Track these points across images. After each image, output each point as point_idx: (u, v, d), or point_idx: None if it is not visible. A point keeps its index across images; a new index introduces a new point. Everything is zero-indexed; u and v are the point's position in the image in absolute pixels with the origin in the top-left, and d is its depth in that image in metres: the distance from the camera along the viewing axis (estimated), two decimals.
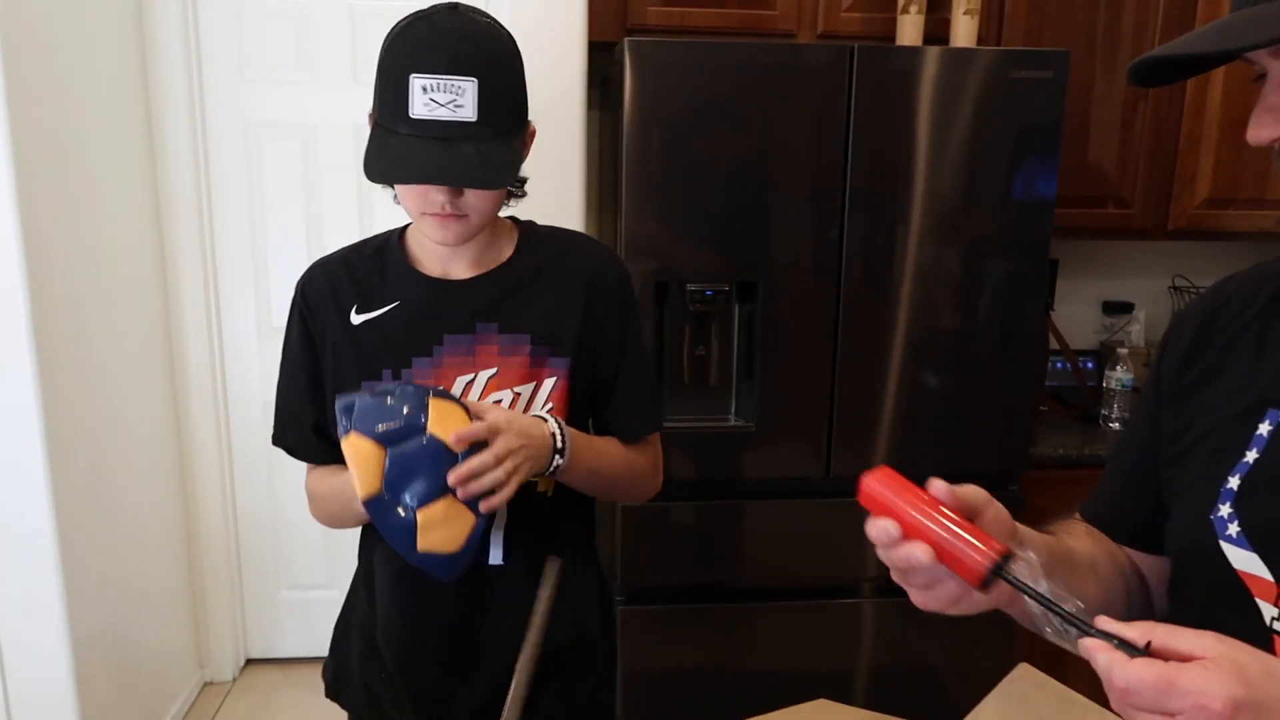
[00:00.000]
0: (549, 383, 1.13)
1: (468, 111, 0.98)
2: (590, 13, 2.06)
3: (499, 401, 1.11)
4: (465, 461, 0.97)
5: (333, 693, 1.31)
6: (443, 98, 0.98)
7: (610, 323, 1.16)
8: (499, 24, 1.06)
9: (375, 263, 1.16)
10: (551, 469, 1.06)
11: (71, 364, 1.97)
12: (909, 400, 2.04)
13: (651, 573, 2.07)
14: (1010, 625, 2.09)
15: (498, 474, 0.98)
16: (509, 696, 0.98)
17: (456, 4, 1.04)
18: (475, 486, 0.98)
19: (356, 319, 1.14)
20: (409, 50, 0.99)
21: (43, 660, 1.94)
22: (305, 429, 1.19)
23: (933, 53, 1.92)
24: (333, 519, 1.23)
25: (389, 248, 1.16)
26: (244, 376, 2.57)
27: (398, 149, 0.99)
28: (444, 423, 0.98)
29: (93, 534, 2.05)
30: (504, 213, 1.18)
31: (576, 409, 1.16)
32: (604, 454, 1.17)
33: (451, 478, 0.97)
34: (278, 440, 1.24)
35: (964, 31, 2.16)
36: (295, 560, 2.69)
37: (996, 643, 2.14)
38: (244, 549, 2.67)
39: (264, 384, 2.57)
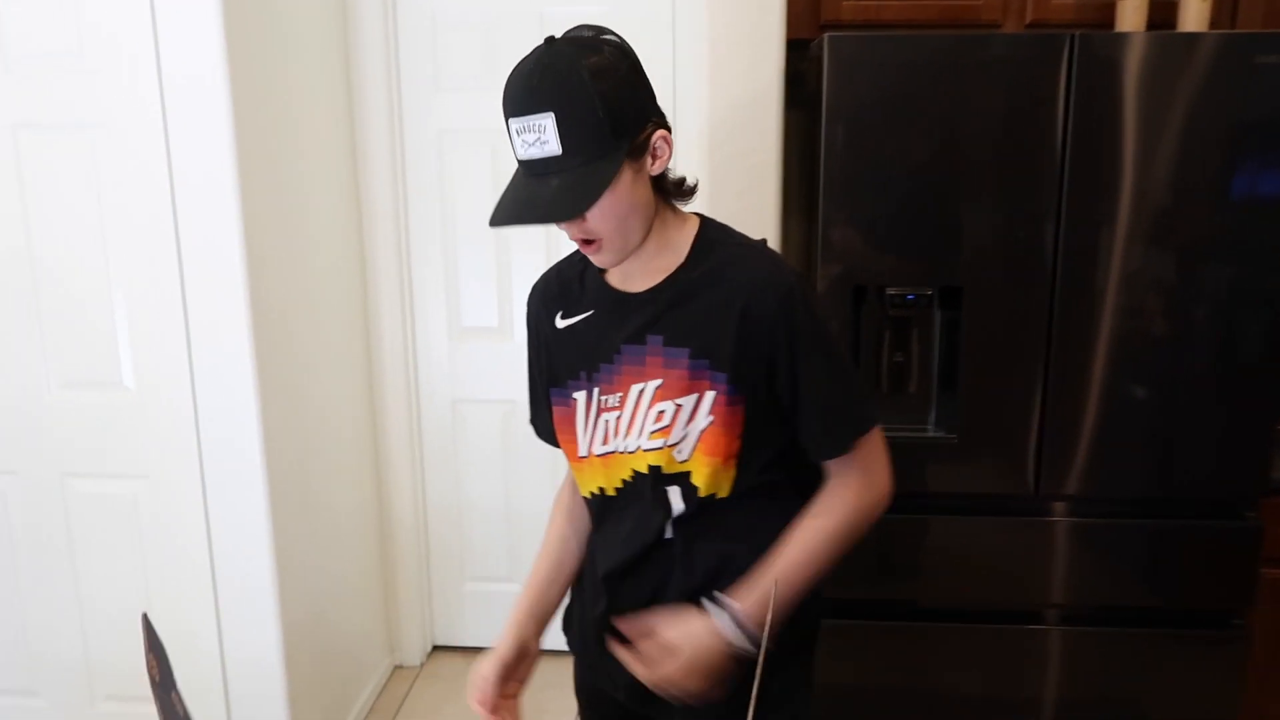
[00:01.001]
0: (709, 396, 1.12)
1: (552, 146, 1.01)
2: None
3: (662, 413, 1.13)
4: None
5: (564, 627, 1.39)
6: (530, 137, 1.02)
7: (773, 344, 1.11)
8: (592, 43, 1.06)
9: (577, 273, 1.23)
10: (742, 650, 1.09)
11: (283, 364, 2.08)
12: (1123, 415, 1.89)
13: (839, 586, 2.00)
14: (1242, 663, 1.91)
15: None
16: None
17: (554, 40, 1.06)
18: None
19: (561, 323, 1.22)
20: (504, 96, 1.05)
21: (257, 639, 2.07)
22: (545, 417, 1.28)
23: (1162, 39, 1.76)
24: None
25: (587, 258, 1.19)
26: (434, 376, 2.67)
27: (505, 192, 1.06)
28: None
29: (300, 525, 2.16)
30: (695, 206, 1.19)
31: (751, 423, 1.13)
32: (800, 568, 1.14)
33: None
34: (532, 423, 1.34)
35: (1194, 15, 1.97)
36: (479, 554, 2.77)
37: (1217, 677, 1.96)
38: (432, 542, 2.78)
39: (453, 383, 2.66)
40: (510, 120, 1.03)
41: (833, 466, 1.17)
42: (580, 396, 1.19)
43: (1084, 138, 1.78)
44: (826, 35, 1.78)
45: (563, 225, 1.07)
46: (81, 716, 2.21)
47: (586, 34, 1.08)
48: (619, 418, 1.16)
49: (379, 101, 2.48)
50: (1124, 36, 1.78)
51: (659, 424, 1.13)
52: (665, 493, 1.16)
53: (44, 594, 2.15)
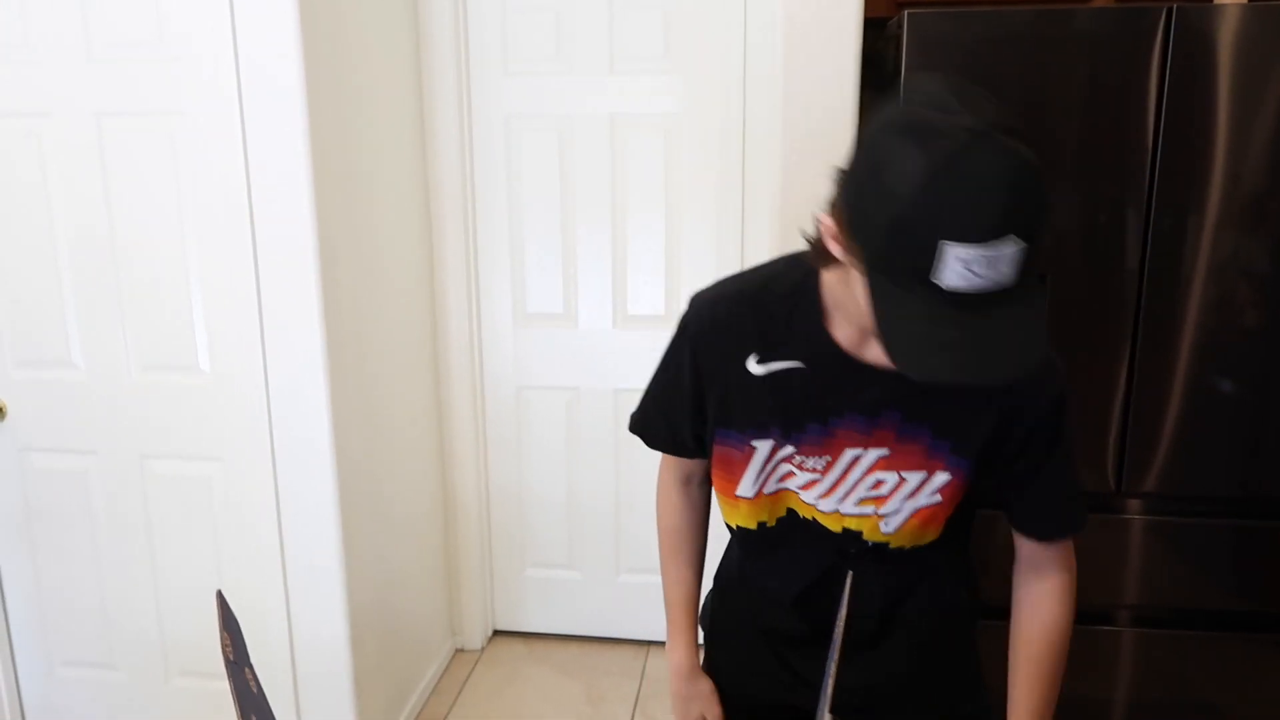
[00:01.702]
0: (941, 477, 1.04)
1: (1007, 277, 0.79)
2: None
3: (880, 482, 1.05)
4: None
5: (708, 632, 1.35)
6: (982, 269, 0.78)
7: (1029, 442, 1.04)
8: (1017, 129, 0.84)
9: (785, 309, 1.04)
10: None
11: (352, 351, 2.10)
12: (1209, 411, 1.80)
13: None
14: None
15: None
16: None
17: (991, 125, 0.80)
18: None
19: (756, 369, 1.06)
20: (946, 210, 0.78)
21: (324, 620, 2.10)
22: (679, 435, 1.18)
23: (1263, 11, 1.67)
24: (660, 549, 1.31)
25: (802, 297, 1.03)
26: (499, 362, 2.67)
27: (920, 327, 0.81)
28: None
29: (366, 509, 2.19)
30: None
31: (966, 499, 1.08)
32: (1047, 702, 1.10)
33: None
34: (637, 429, 1.24)
35: None
36: (540, 541, 2.78)
37: None
38: (494, 526, 2.79)
39: (517, 369, 2.67)
40: (955, 245, 0.77)
41: (1039, 560, 1.11)
42: (763, 446, 1.08)
43: (1176, 117, 1.70)
44: (906, 12, 1.72)
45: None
46: (156, 691, 2.27)
47: (1022, 138, 0.83)
48: (814, 480, 1.07)
49: (448, 86, 2.48)
50: (1222, 9, 1.69)
51: (874, 492, 1.06)
52: (848, 556, 1.10)
53: (122, 571, 2.21)
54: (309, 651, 2.13)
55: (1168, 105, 1.69)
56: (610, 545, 2.74)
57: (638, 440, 1.24)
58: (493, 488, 2.75)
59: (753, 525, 1.15)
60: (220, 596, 0.88)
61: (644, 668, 2.67)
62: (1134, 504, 1.88)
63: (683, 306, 1.14)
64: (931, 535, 1.09)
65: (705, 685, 1.26)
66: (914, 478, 1.04)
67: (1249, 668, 1.90)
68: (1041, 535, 1.09)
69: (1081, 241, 1.76)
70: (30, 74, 1.96)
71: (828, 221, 0.90)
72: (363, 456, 2.16)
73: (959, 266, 0.77)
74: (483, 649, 2.81)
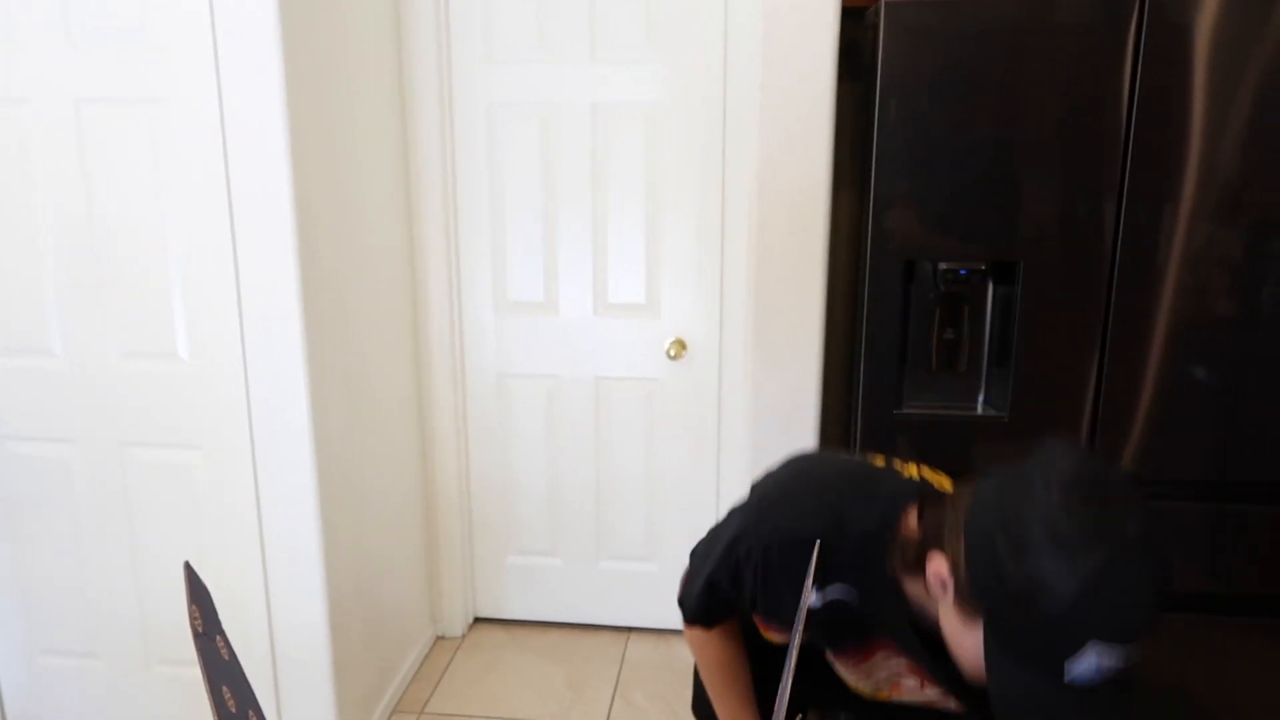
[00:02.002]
0: (953, 703, 1.15)
1: (1122, 665, 0.85)
2: None
3: (906, 681, 1.15)
4: None
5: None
6: (1113, 663, 0.84)
7: None
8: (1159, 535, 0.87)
9: (854, 546, 1.05)
10: None
11: (332, 339, 2.11)
12: (1182, 397, 1.82)
13: None
14: None
15: None
16: None
17: (1138, 535, 0.83)
18: None
19: (814, 598, 1.08)
20: (1098, 614, 0.82)
21: (304, 607, 2.10)
22: (727, 613, 1.25)
23: (1236, 2, 1.69)
24: (706, 679, 1.31)
25: (875, 542, 1.04)
26: (481, 350, 2.68)
27: (1036, 703, 0.85)
28: None
29: (346, 497, 2.19)
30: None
31: None
32: None
33: None
34: (701, 619, 1.26)
35: None
36: (522, 528, 2.79)
37: (1276, 665, 1.90)
38: (475, 515, 2.80)
39: (498, 358, 2.67)
40: (1098, 643, 0.83)
41: None
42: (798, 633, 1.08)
43: (1150, 106, 1.72)
44: (884, 2, 1.74)
45: None
46: (137, 679, 2.27)
47: (1133, 499, 0.86)
48: (851, 670, 1.17)
49: (429, 74, 2.48)
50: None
51: (910, 692, 1.16)
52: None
53: (103, 559, 2.21)
54: (289, 638, 2.13)
55: (1141, 95, 1.71)
56: (591, 532, 2.75)
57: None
58: (474, 475, 2.76)
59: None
60: (188, 567, 0.88)
61: (624, 653, 2.69)
62: None
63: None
64: None
65: None
66: (931, 692, 1.13)
67: (1220, 650, 1.93)
68: None
69: (1058, 229, 1.78)
70: (9, 60, 1.95)
71: (942, 571, 0.93)
72: (343, 444, 2.17)
73: (1094, 663, 0.82)
74: (463, 636, 2.82)
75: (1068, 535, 0.82)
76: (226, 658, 0.89)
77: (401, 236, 2.54)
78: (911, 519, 1.02)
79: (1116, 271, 1.78)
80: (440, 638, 2.81)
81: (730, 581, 1.16)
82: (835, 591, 1.06)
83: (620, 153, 2.51)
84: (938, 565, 0.93)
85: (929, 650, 1.04)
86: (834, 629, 1.09)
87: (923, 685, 1.12)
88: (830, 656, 1.15)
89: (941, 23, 1.74)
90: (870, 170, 1.80)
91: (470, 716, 2.44)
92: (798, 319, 1.89)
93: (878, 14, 1.75)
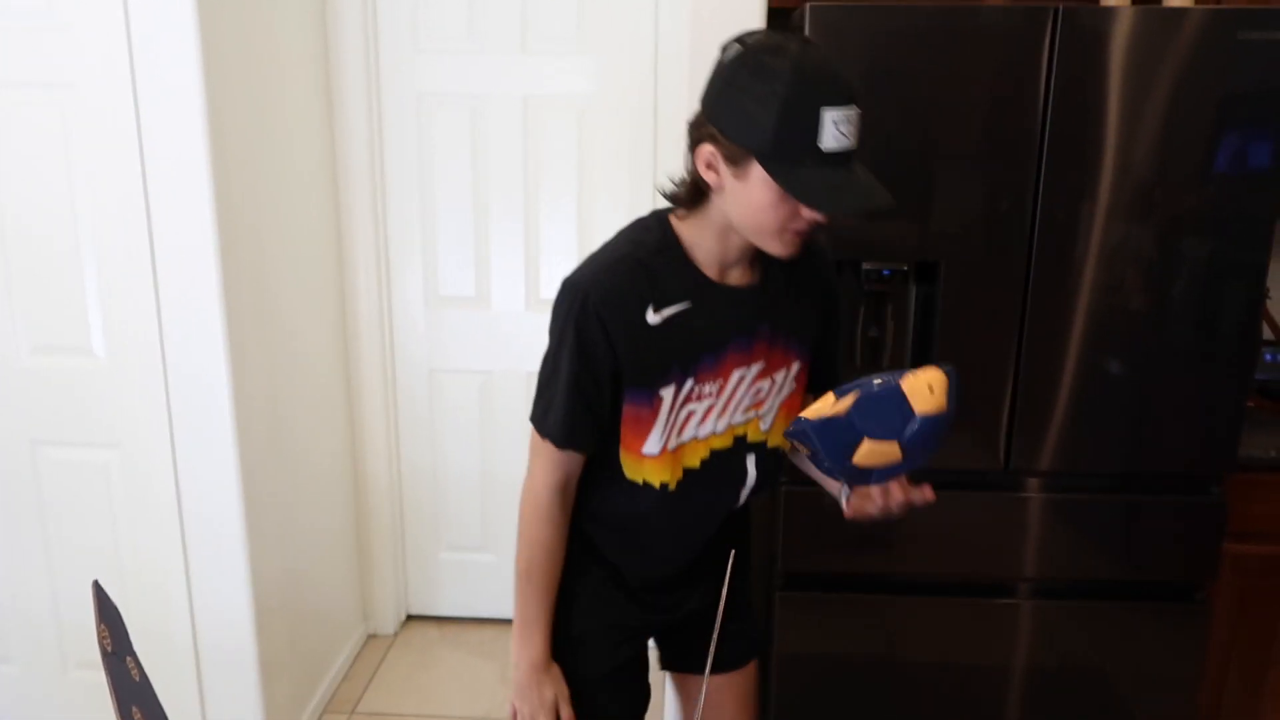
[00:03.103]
0: (795, 366, 1.30)
1: (854, 138, 1.07)
2: None
3: (759, 389, 1.26)
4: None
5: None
6: (846, 128, 1.05)
7: (830, 308, 1.36)
8: None
9: (662, 262, 1.21)
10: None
11: (256, 332, 2.06)
12: (1098, 391, 1.89)
13: (810, 559, 2.00)
14: (1204, 636, 1.94)
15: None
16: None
17: (808, 39, 1.12)
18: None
19: (653, 318, 1.19)
20: (817, 83, 1.04)
21: (228, 608, 2.07)
22: (597, 427, 1.24)
23: (1148, 14, 1.74)
24: (528, 552, 1.33)
25: (669, 250, 1.21)
26: (411, 344, 2.65)
27: (830, 180, 1.06)
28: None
29: (272, 496, 2.16)
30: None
31: (803, 380, 1.34)
32: None
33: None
34: (567, 441, 1.25)
35: None
36: (455, 524, 2.77)
37: (1180, 648, 1.99)
38: (407, 510, 2.78)
39: (430, 350, 2.65)
40: (829, 108, 1.04)
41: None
42: (667, 393, 1.20)
43: (1065, 112, 1.77)
44: (809, 4, 1.75)
45: (818, 215, 1.10)
46: (53, 683, 2.21)
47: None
48: (710, 405, 1.23)
49: (356, 62, 2.44)
50: (1108, 11, 1.76)
51: (755, 398, 1.26)
52: (744, 461, 1.30)
53: (14, 561, 2.14)
54: (213, 639, 2.09)
55: (1055, 100, 1.75)
56: None
57: None
58: (405, 472, 2.73)
59: (656, 484, 1.26)
60: (97, 587, 0.86)
61: None
62: (1029, 481, 1.96)
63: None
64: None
65: (555, 669, 1.34)
66: (780, 376, 1.27)
67: (1135, 634, 2.01)
68: (829, 387, 1.24)
69: (977, 230, 1.82)
70: None
71: (705, 153, 1.11)
72: (268, 441, 2.13)
73: (833, 129, 1.04)
74: (396, 633, 2.79)
75: (763, 47, 1.07)
76: (137, 679, 0.87)
77: (328, 229, 2.49)
78: (677, 215, 1.22)
79: (1033, 270, 1.83)
80: (372, 635, 2.79)
81: (581, 359, 1.19)
82: (669, 310, 1.19)
83: (552, 145, 2.50)
84: (701, 154, 1.12)
85: (758, 304, 1.23)
86: (684, 344, 1.20)
87: (772, 372, 1.25)
88: (695, 394, 1.21)
89: (865, 25, 1.76)
90: None
91: (403, 715, 2.43)
92: None
93: (804, 15, 1.77)
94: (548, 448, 1.25)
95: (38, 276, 1.97)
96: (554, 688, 1.33)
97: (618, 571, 1.37)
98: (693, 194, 1.18)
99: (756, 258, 1.23)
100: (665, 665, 1.54)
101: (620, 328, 1.18)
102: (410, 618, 2.86)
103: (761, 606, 2.24)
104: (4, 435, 2.06)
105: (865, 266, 1.84)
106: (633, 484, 1.27)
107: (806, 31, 1.75)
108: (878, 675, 2.06)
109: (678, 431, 1.23)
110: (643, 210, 2.41)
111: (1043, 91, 1.75)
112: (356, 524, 2.72)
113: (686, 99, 2.06)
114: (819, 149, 1.04)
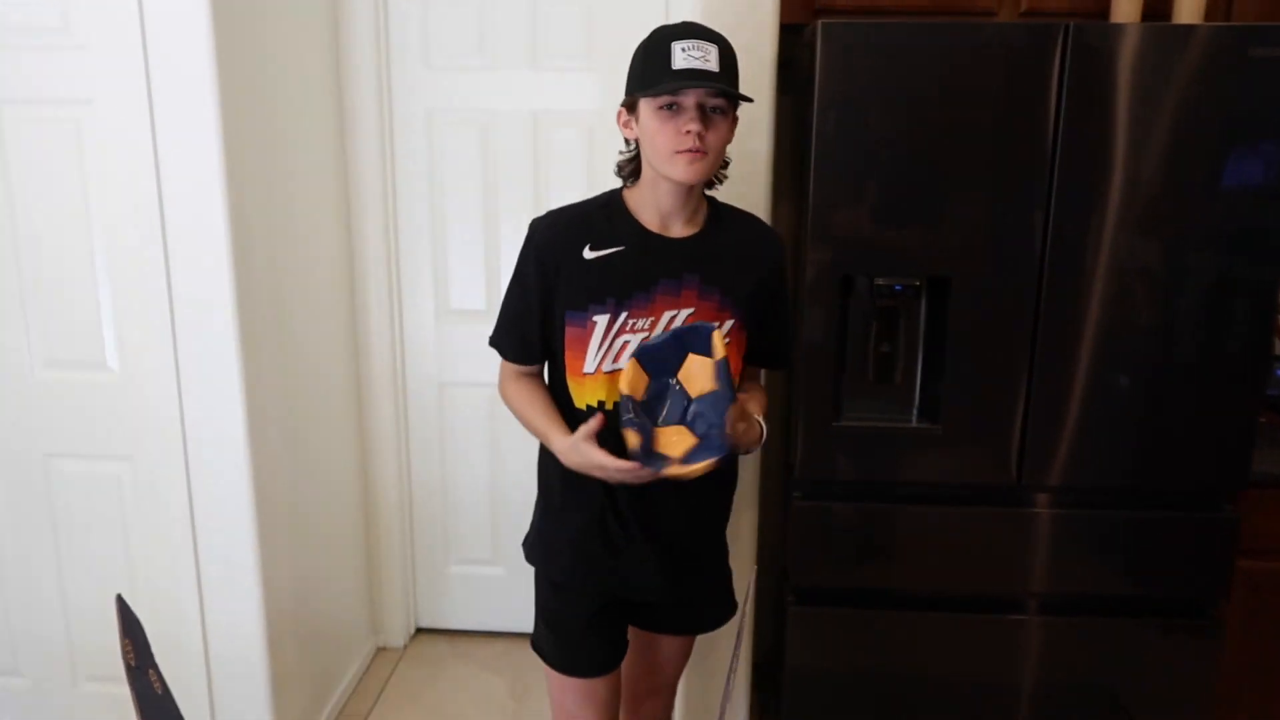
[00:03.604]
0: (729, 323, 1.48)
1: (713, 65, 1.33)
2: None
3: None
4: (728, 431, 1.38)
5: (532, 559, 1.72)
6: (696, 53, 1.33)
7: (774, 288, 1.56)
8: None
9: (603, 214, 1.48)
10: (749, 451, 1.51)
11: (268, 347, 2.07)
12: (1108, 406, 1.89)
13: (821, 573, 2.00)
14: (1216, 653, 1.93)
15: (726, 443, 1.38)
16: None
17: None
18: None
19: (589, 254, 1.44)
20: (666, 32, 1.37)
21: (240, 621, 2.06)
22: (530, 341, 1.52)
23: (1156, 30, 1.75)
24: (516, 413, 1.59)
25: (613, 204, 1.49)
26: (421, 359, 2.66)
27: (669, 80, 1.34)
28: (690, 380, 1.38)
29: (284, 507, 2.16)
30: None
31: (741, 346, 1.53)
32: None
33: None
34: (495, 344, 1.57)
35: (1189, 6, 1.97)
36: (464, 537, 2.77)
37: (1192, 665, 1.98)
38: (416, 523, 2.77)
39: (440, 365, 2.65)
40: (678, 40, 1.35)
41: (753, 380, 1.64)
42: (601, 319, 1.43)
43: (1075, 128, 1.77)
44: (820, 21, 1.76)
45: (689, 130, 1.34)
46: (64, 697, 2.21)
47: None
48: (645, 337, 1.44)
49: (368, 79, 2.45)
50: (1118, 27, 1.77)
51: None
52: None
53: (26, 573, 2.14)
54: (225, 652, 2.09)
55: (1065, 116, 1.76)
56: None
57: None
58: (415, 485, 2.74)
59: (593, 403, 1.47)
60: (120, 601, 0.87)
61: None
62: (1039, 497, 1.96)
63: None
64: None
65: (585, 443, 1.44)
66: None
67: (1143, 650, 2.00)
68: (769, 363, 1.62)
69: (988, 245, 1.82)
70: None
71: (621, 116, 1.46)
72: (280, 454, 2.13)
73: (681, 53, 1.33)
74: (405, 647, 2.79)
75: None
76: (160, 692, 0.87)
77: (340, 244, 2.50)
78: (626, 186, 1.51)
79: (1044, 285, 1.83)
80: (381, 649, 2.78)
81: (522, 283, 1.49)
82: (605, 251, 1.44)
83: (561, 160, 2.51)
84: (619, 119, 1.47)
85: (690, 255, 1.47)
86: (618, 279, 1.43)
87: (699, 317, 1.45)
88: (629, 328, 1.44)
89: (876, 42, 1.77)
90: (808, 185, 1.83)
91: None
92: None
93: (815, 32, 1.78)
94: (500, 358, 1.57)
95: (52, 291, 1.98)
96: (591, 447, 1.43)
97: (596, 520, 1.55)
98: (632, 163, 1.48)
99: (700, 217, 1.49)
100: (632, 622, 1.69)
101: (557, 262, 1.44)
102: (420, 631, 2.86)
103: (770, 621, 2.23)
104: (17, 448, 2.07)
105: (878, 282, 1.85)
106: (579, 411, 1.49)
107: (818, 48, 1.76)
108: (887, 690, 2.05)
109: (613, 357, 1.44)
110: None
111: (1053, 107, 1.76)
112: (366, 536, 2.72)
113: None
114: (672, 69, 1.33)
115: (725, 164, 1.50)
